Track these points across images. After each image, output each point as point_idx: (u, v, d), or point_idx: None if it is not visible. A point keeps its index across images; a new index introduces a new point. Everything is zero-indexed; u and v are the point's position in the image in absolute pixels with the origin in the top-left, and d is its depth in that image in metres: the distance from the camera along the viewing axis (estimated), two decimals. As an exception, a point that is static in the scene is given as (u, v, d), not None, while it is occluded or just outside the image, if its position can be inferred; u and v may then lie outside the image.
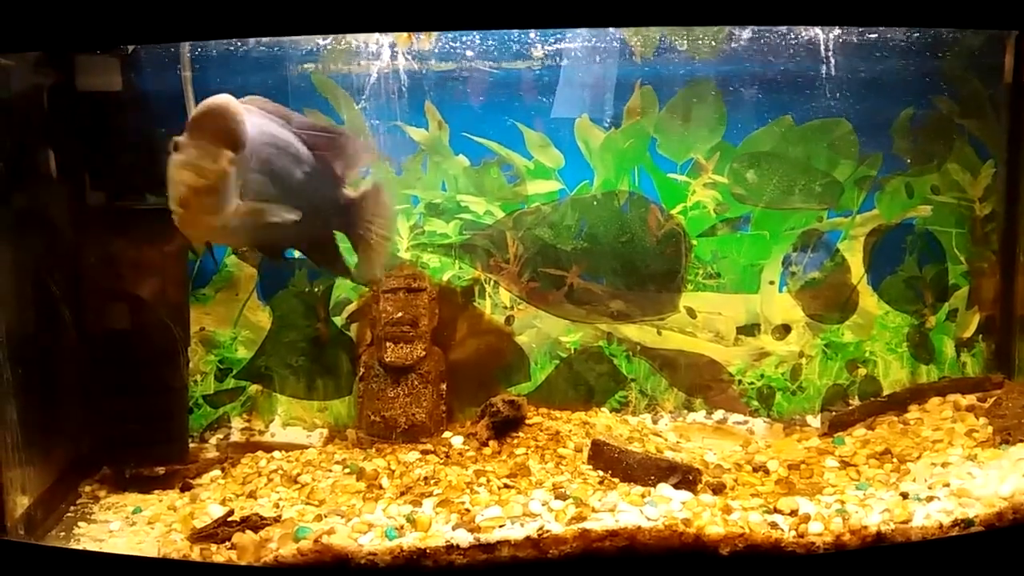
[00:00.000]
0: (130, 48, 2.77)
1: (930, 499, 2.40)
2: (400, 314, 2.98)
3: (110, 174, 2.87)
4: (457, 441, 2.91)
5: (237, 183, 2.20)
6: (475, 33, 2.89)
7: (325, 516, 2.48)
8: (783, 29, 2.89)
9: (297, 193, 2.38)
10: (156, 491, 2.80)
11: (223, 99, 2.18)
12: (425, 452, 2.86)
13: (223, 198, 2.17)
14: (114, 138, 2.86)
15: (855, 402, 3.23)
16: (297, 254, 3.13)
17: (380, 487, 2.68)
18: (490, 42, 2.92)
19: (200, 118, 2.16)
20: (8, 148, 2.60)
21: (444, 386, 3.06)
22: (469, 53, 2.97)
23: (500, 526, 2.29)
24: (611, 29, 2.91)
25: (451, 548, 2.23)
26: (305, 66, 2.97)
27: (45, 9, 2.18)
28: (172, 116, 2.91)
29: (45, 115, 2.77)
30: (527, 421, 2.94)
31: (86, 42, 2.50)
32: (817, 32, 2.90)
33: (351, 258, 2.67)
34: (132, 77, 2.83)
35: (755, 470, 2.80)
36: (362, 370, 3.06)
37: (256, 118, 2.29)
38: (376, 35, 2.87)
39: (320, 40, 2.90)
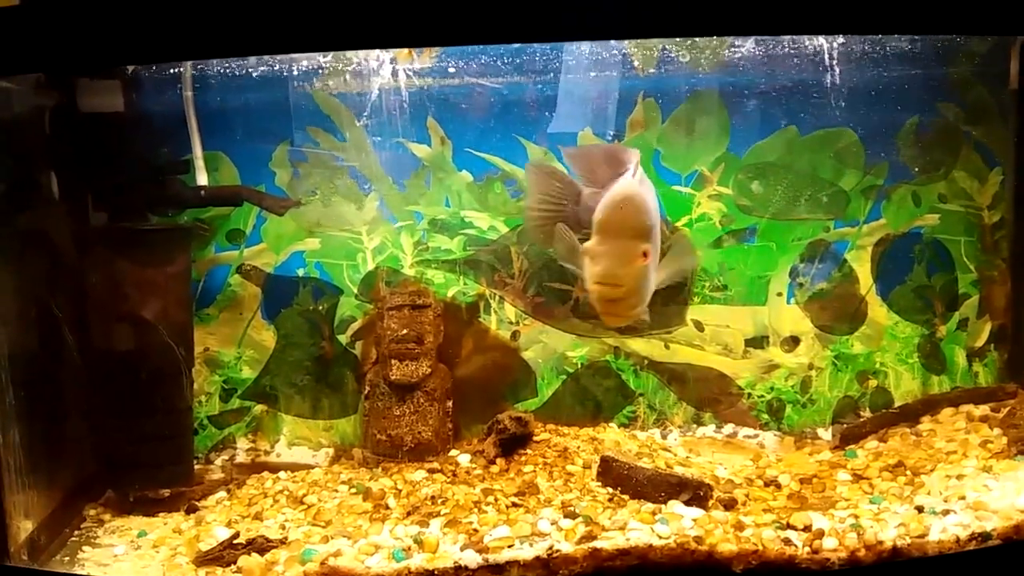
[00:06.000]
0: (131, 69, 2.77)
1: (946, 512, 2.36)
2: (405, 331, 2.96)
3: (113, 195, 2.86)
4: (464, 459, 2.88)
5: (655, 264, 2.16)
6: (476, 48, 2.88)
7: (331, 537, 2.45)
8: (787, 39, 2.87)
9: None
10: (161, 514, 2.78)
11: (629, 190, 2.10)
12: (432, 471, 2.84)
13: (647, 287, 2.15)
14: (117, 159, 2.85)
15: (866, 414, 3.20)
16: (300, 272, 3.14)
17: (387, 507, 2.65)
18: (492, 57, 2.91)
19: (609, 218, 2.09)
20: (10, 169, 2.60)
21: (450, 403, 3.03)
22: (471, 68, 2.96)
23: (509, 546, 2.26)
24: (613, 42, 2.90)
25: (460, 569, 2.20)
26: (307, 84, 2.97)
27: (46, 31, 2.18)
28: (174, 136, 2.93)
29: (47, 136, 2.77)
30: (535, 438, 2.91)
31: (87, 63, 2.50)
32: (821, 41, 2.89)
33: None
34: (134, 98, 2.83)
35: (767, 485, 2.76)
36: (367, 388, 3.04)
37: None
38: (377, 52, 2.87)
39: (321, 58, 2.90)
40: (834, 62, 2.93)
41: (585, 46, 2.91)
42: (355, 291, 3.14)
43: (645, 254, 2.07)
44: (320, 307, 3.14)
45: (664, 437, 3.16)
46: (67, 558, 2.55)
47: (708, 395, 3.23)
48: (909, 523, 2.32)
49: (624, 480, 2.62)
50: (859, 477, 2.75)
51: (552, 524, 2.37)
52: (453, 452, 2.94)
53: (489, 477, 2.77)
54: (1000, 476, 2.54)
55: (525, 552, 2.23)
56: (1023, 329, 3.20)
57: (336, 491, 2.80)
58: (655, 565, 2.21)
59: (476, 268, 3.13)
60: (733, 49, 2.94)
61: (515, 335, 3.18)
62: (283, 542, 2.44)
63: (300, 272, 3.14)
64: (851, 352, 3.23)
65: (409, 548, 2.32)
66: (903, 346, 3.23)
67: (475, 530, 2.39)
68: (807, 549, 2.25)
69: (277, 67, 2.91)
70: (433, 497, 2.64)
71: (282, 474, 2.98)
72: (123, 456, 2.81)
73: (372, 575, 2.21)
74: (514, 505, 2.56)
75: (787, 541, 2.27)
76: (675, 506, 2.46)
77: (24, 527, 2.49)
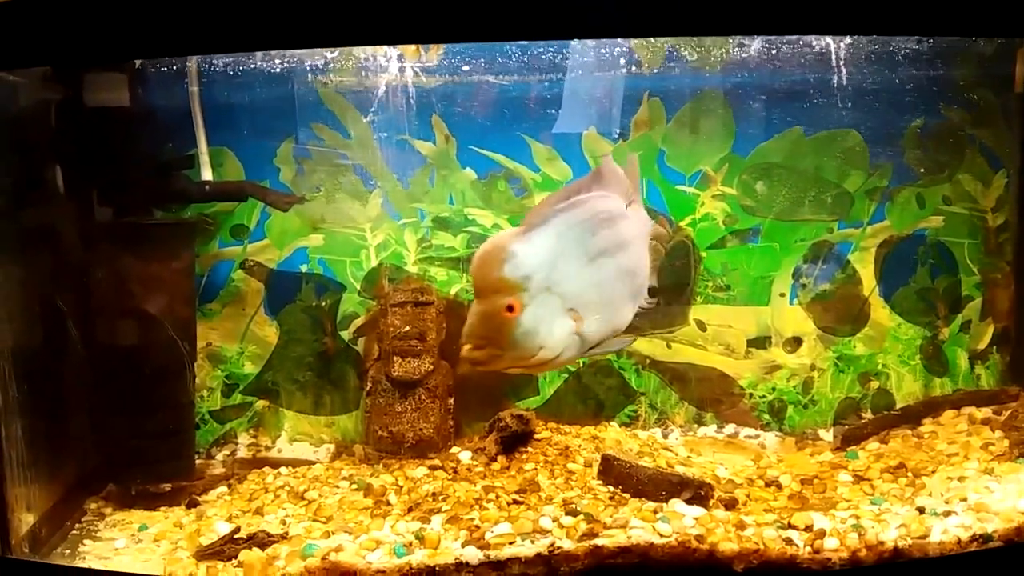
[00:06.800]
0: (137, 63, 2.77)
1: (947, 514, 2.36)
2: (407, 328, 2.97)
3: (118, 189, 2.87)
4: (465, 456, 2.88)
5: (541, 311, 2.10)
6: (482, 46, 2.88)
7: (332, 533, 2.45)
8: (792, 39, 2.87)
9: None
10: (162, 508, 2.78)
11: (487, 244, 2.07)
12: (433, 468, 2.83)
13: (522, 340, 2.06)
14: (122, 153, 2.85)
15: (868, 415, 3.20)
16: (304, 268, 3.14)
17: (388, 503, 2.65)
18: (497, 55, 2.92)
19: (472, 275, 2.07)
20: (16, 163, 2.60)
21: (452, 400, 3.04)
22: (476, 65, 2.96)
23: (510, 543, 2.26)
24: (618, 41, 2.90)
25: (460, 566, 2.20)
26: (313, 80, 2.98)
27: (51, 25, 2.18)
28: (179, 132, 2.93)
29: (52, 130, 2.77)
30: (536, 436, 2.91)
31: (93, 57, 2.50)
32: (827, 42, 2.89)
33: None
34: (140, 93, 2.83)
35: (767, 485, 2.76)
36: (369, 385, 3.04)
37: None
38: (383, 48, 2.87)
39: (327, 54, 2.90)
40: (840, 63, 2.93)
41: (590, 44, 2.91)
42: (358, 287, 3.14)
43: (511, 308, 2.00)
44: (323, 303, 3.15)
45: (665, 436, 3.16)
46: (68, 551, 2.55)
47: (710, 395, 3.23)
48: (910, 524, 2.32)
49: (625, 479, 2.62)
50: (860, 478, 2.75)
51: (553, 521, 2.37)
52: (454, 449, 2.94)
53: (490, 474, 2.77)
54: (1002, 478, 2.54)
55: (526, 549, 2.23)
56: (1026, 332, 3.21)
57: (337, 487, 2.80)
58: (656, 563, 2.21)
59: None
60: (739, 49, 2.94)
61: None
62: (284, 537, 2.44)
63: (303, 268, 3.15)
64: (853, 353, 3.23)
65: (410, 544, 2.32)
66: (905, 348, 3.23)
67: (476, 526, 2.39)
68: (808, 549, 2.25)
69: (282, 63, 2.91)
70: (434, 494, 2.64)
71: (283, 470, 2.98)
72: (125, 450, 2.81)
73: (373, 571, 2.21)
74: (515, 502, 2.56)
75: (788, 541, 2.27)
76: (676, 505, 2.46)
77: (26, 520, 2.49)
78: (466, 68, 2.96)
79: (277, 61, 2.90)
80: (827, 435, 3.17)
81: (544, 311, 2.03)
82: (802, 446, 3.11)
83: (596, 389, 3.19)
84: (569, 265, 2.10)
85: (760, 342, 3.23)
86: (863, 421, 3.12)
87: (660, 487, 2.54)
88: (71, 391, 2.82)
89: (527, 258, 2.03)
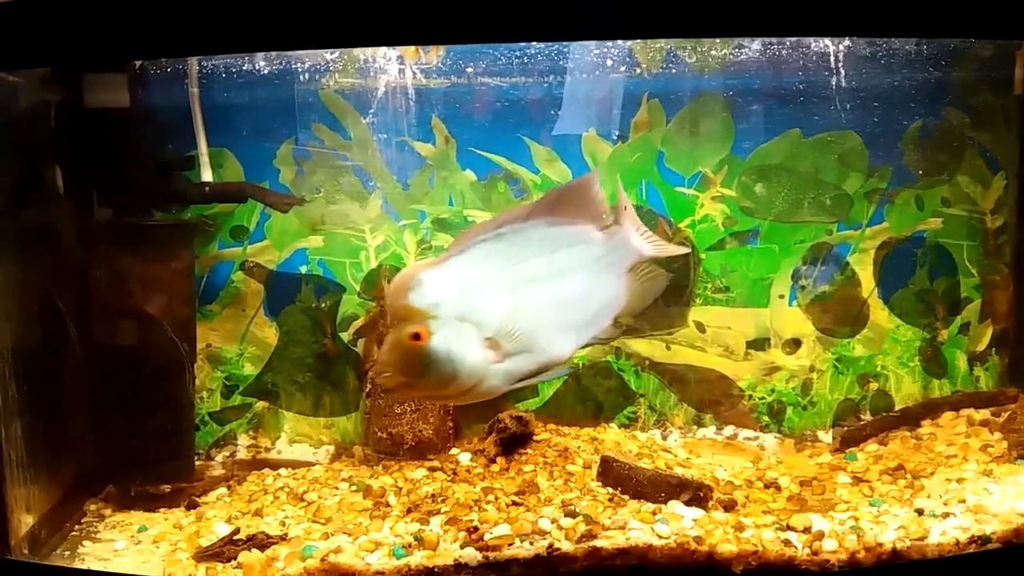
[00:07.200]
0: (137, 64, 2.77)
1: (946, 515, 2.36)
2: (407, 329, 2.96)
3: (118, 190, 2.87)
4: (464, 458, 2.88)
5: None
6: (482, 47, 2.88)
7: (332, 534, 2.46)
8: (792, 41, 2.88)
9: None
10: (162, 509, 2.78)
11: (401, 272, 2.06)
12: (432, 469, 2.84)
13: (430, 368, 2.03)
14: (122, 154, 2.85)
15: (867, 417, 3.20)
16: (303, 269, 3.15)
17: (387, 505, 2.65)
18: (497, 56, 2.92)
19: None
20: (16, 164, 2.60)
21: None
22: (476, 67, 2.96)
23: (509, 544, 2.26)
24: (618, 43, 2.90)
25: (459, 567, 2.20)
26: (313, 81, 2.98)
27: (51, 25, 2.19)
28: (179, 132, 2.94)
29: (52, 131, 2.78)
30: (535, 437, 2.91)
31: (93, 58, 2.50)
32: (826, 44, 2.89)
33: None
34: (140, 93, 2.83)
35: (766, 486, 2.76)
36: (369, 386, 3.04)
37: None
38: (383, 50, 2.87)
39: (327, 55, 2.90)
40: (839, 65, 2.93)
41: (590, 46, 2.91)
42: (358, 289, 3.14)
43: (417, 336, 1.97)
44: (323, 304, 3.15)
45: (664, 438, 3.17)
46: (68, 552, 2.55)
47: (709, 396, 3.23)
48: (909, 525, 2.32)
49: (624, 480, 2.62)
50: (859, 480, 2.75)
51: (552, 523, 2.37)
52: (454, 450, 2.94)
53: (489, 476, 2.77)
54: (1000, 480, 2.54)
55: (525, 550, 2.23)
56: (1024, 334, 3.21)
57: (337, 488, 2.80)
58: (655, 564, 2.21)
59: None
60: (738, 51, 2.94)
61: (517, 334, 3.18)
62: (283, 538, 2.44)
63: (303, 269, 3.15)
64: (852, 355, 3.23)
65: (409, 545, 2.32)
66: (904, 349, 3.23)
67: (475, 528, 2.39)
68: (807, 550, 2.25)
69: (282, 64, 2.91)
70: (433, 495, 2.64)
71: (283, 471, 2.98)
72: (124, 451, 2.81)
73: (372, 572, 2.21)
74: (514, 504, 2.56)
75: (787, 542, 2.27)
76: (675, 506, 2.46)
77: (25, 521, 2.49)
78: (466, 70, 2.96)
79: (277, 62, 2.90)
80: (826, 437, 3.18)
81: (456, 340, 1.99)
82: (801, 448, 3.11)
83: (595, 391, 3.19)
84: (486, 294, 2.05)
85: (759, 344, 3.23)
86: (862, 423, 3.13)
87: (659, 488, 2.54)
88: (71, 392, 2.81)
89: (436, 286, 2.00)
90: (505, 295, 2.07)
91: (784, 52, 2.93)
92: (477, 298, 2.04)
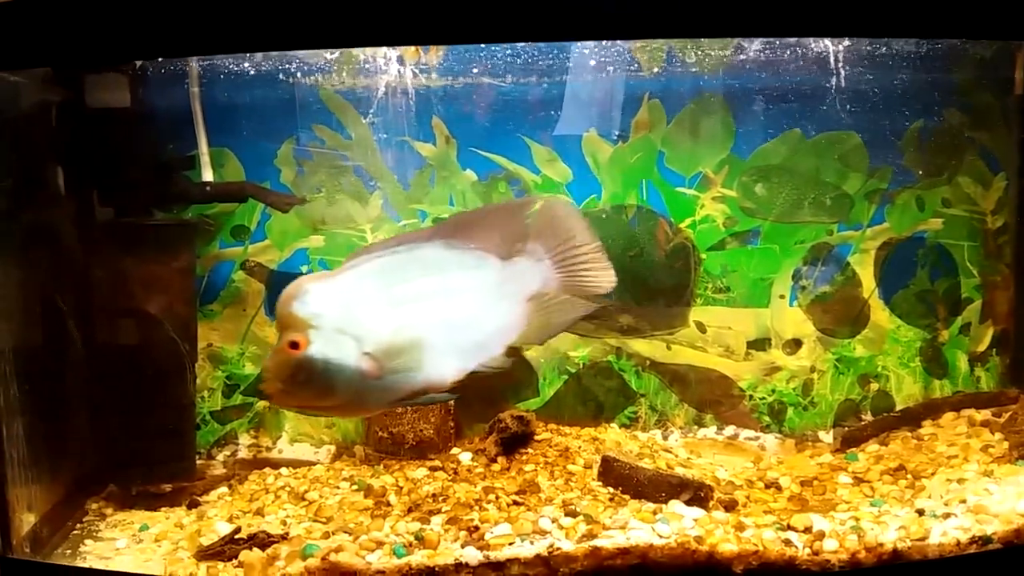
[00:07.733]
0: (138, 64, 2.78)
1: (947, 516, 2.36)
2: (408, 329, 2.97)
3: (118, 190, 2.87)
4: (465, 457, 2.88)
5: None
6: (483, 47, 2.89)
7: (333, 533, 2.46)
8: (792, 41, 2.88)
9: None
10: (163, 508, 2.78)
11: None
12: (433, 469, 2.84)
13: (306, 377, 2.03)
14: (123, 154, 2.86)
15: (868, 417, 3.20)
16: (304, 269, 3.15)
17: (388, 504, 2.66)
18: (498, 56, 2.92)
19: None
20: (17, 164, 2.61)
21: (452, 402, 3.04)
22: (477, 68, 2.96)
23: (510, 543, 2.27)
24: (619, 43, 2.90)
25: (460, 566, 2.20)
26: (313, 81, 2.98)
27: (52, 25, 2.19)
28: (180, 132, 2.94)
29: (53, 131, 2.78)
30: (536, 437, 2.91)
31: (93, 58, 2.50)
32: (826, 44, 2.89)
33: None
34: (141, 93, 2.84)
35: (767, 487, 2.76)
36: (370, 386, 3.04)
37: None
38: (383, 50, 2.87)
39: (327, 55, 2.90)
40: (839, 65, 2.93)
41: (591, 46, 2.92)
42: (358, 289, 3.14)
43: (295, 344, 1.97)
44: (323, 304, 3.14)
45: (665, 438, 3.17)
46: (69, 551, 2.55)
47: (710, 397, 3.23)
48: (910, 526, 2.32)
49: (625, 480, 2.62)
50: (860, 480, 2.75)
51: (553, 522, 2.38)
52: (455, 450, 2.94)
53: (490, 475, 2.77)
54: (1001, 480, 2.54)
55: (526, 550, 2.23)
56: (1025, 334, 3.21)
57: (338, 488, 2.81)
58: (655, 564, 2.22)
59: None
60: (738, 51, 2.95)
61: (518, 334, 3.18)
62: (284, 538, 2.44)
63: (304, 269, 3.15)
64: (853, 355, 3.23)
65: (410, 544, 2.33)
66: (905, 350, 3.23)
67: (476, 527, 2.39)
68: (807, 550, 2.25)
69: (283, 64, 2.92)
70: (434, 495, 2.64)
71: (284, 470, 2.98)
72: (126, 450, 2.81)
73: (373, 571, 2.21)
74: (515, 503, 2.56)
75: (787, 542, 2.27)
76: (676, 506, 2.46)
77: (27, 520, 2.49)
78: (467, 70, 2.97)
79: (278, 62, 2.90)
80: (827, 437, 3.18)
81: (334, 351, 1.98)
82: (802, 448, 3.11)
83: (596, 391, 3.20)
84: (370, 309, 2.04)
85: (760, 344, 3.23)
86: (863, 423, 3.13)
87: (660, 488, 2.54)
88: (72, 391, 2.82)
89: (319, 297, 2.01)
90: (390, 312, 2.07)
91: (785, 52, 2.93)
92: (360, 312, 2.04)
